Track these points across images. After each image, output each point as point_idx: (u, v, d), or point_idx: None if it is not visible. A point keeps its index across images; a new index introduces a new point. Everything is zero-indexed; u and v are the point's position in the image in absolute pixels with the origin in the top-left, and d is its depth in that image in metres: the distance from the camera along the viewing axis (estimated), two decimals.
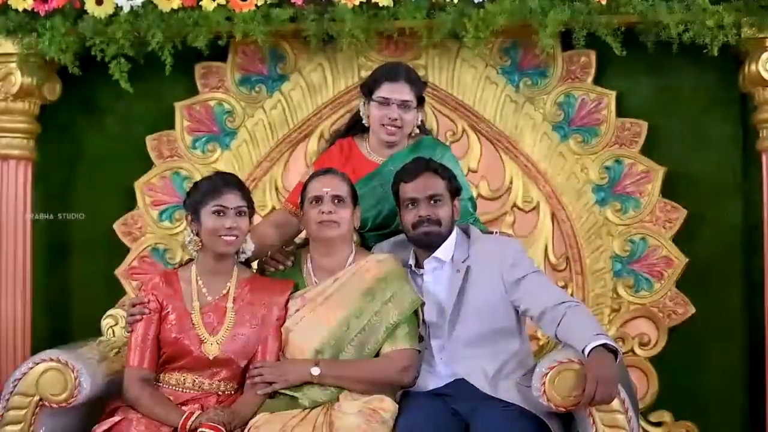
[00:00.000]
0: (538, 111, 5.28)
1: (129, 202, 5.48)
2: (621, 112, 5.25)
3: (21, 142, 5.35)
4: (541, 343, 4.98)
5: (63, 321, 5.57)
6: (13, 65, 5.23)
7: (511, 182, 5.32)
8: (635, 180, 5.21)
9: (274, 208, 5.31)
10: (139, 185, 5.44)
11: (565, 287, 5.16)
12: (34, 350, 5.14)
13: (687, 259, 5.16)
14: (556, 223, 5.29)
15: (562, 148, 5.26)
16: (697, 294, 5.18)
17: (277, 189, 5.42)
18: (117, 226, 5.46)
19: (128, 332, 4.02)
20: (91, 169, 5.58)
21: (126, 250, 5.46)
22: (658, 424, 5.18)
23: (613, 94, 5.24)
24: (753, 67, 4.95)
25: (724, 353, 5.23)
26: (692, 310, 5.17)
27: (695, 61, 5.12)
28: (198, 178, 5.04)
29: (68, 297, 5.60)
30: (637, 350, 5.17)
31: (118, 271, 5.44)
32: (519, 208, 5.33)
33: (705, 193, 5.25)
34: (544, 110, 5.28)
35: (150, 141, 5.46)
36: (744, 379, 5.23)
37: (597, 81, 5.28)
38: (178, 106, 5.45)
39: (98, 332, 4.56)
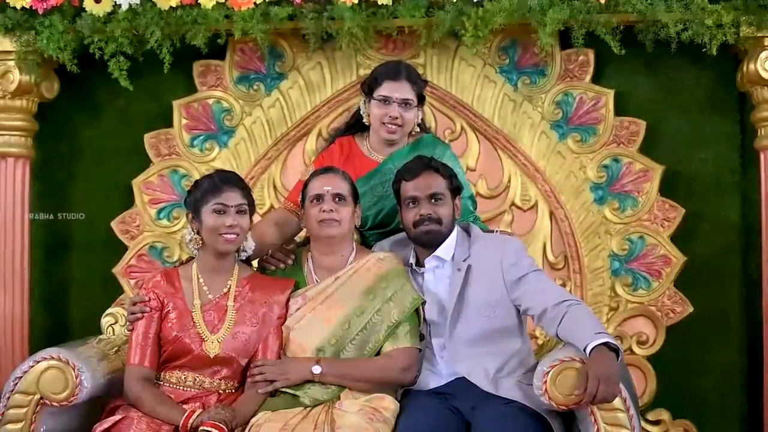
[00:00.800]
0: (537, 110, 5.28)
1: (127, 201, 5.45)
2: (619, 111, 5.24)
3: (19, 140, 5.33)
4: (539, 342, 4.98)
5: (61, 319, 5.55)
6: (11, 63, 5.20)
7: (509, 181, 5.32)
8: (633, 179, 5.20)
9: (272, 207, 5.31)
10: (137, 183, 5.42)
11: (563, 286, 5.13)
12: (32, 348, 5.16)
13: (685, 258, 5.16)
14: (554, 221, 5.29)
15: (561, 147, 5.26)
16: (695, 293, 5.18)
17: (275, 187, 5.40)
18: (115, 225, 5.43)
19: (129, 330, 4.02)
20: (89, 167, 5.56)
21: (124, 249, 5.44)
22: (656, 423, 5.18)
23: (611, 92, 5.24)
24: (752, 65, 4.95)
25: (723, 352, 5.25)
26: (690, 308, 5.17)
27: (694, 59, 5.13)
28: (196, 176, 5.06)
29: (66, 295, 5.58)
30: (636, 349, 5.16)
31: (116, 270, 5.42)
32: (517, 207, 5.32)
33: (703, 191, 5.26)
34: (542, 109, 5.27)
35: (148, 139, 5.43)
36: (742, 378, 5.25)
37: (595, 80, 5.28)
38: (177, 104, 5.42)
39: (96, 330, 4.56)
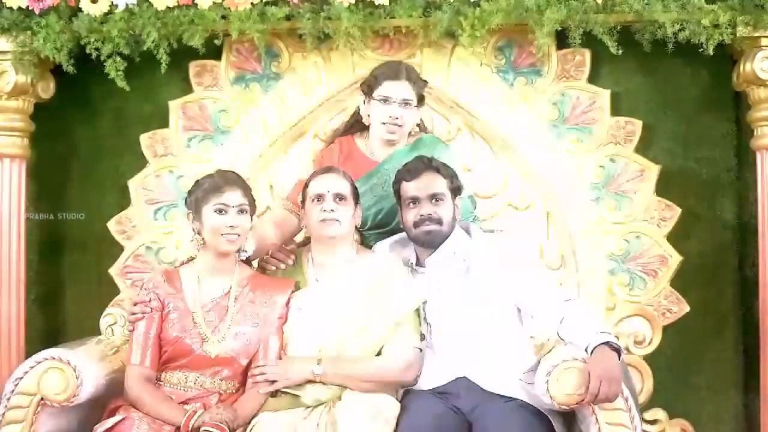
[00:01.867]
0: (533, 110, 5.28)
1: (123, 201, 5.43)
2: (615, 111, 5.23)
3: (15, 141, 5.29)
4: (537, 342, 4.98)
5: (57, 319, 5.53)
6: (8, 63, 5.15)
7: (506, 181, 5.32)
8: (630, 179, 5.19)
9: (268, 208, 5.29)
10: (133, 183, 5.40)
11: (560, 286, 5.15)
12: (28, 348, 5.13)
13: (681, 258, 5.16)
14: (551, 221, 5.29)
15: (557, 147, 5.25)
16: (691, 292, 5.17)
17: (271, 188, 5.39)
18: (111, 225, 5.41)
19: (129, 330, 4.02)
20: (85, 167, 5.54)
21: (120, 249, 5.42)
22: (653, 422, 5.17)
23: (607, 92, 5.23)
24: (748, 65, 4.95)
25: (719, 351, 5.25)
26: (686, 308, 5.15)
27: (690, 59, 5.12)
28: (193, 176, 5.03)
29: (62, 295, 5.56)
30: (632, 348, 5.13)
31: (113, 270, 5.40)
32: (514, 207, 5.32)
33: (699, 191, 5.26)
34: (539, 109, 5.27)
35: (144, 139, 5.41)
36: (738, 377, 5.25)
37: (591, 80, 5.26)
38: (173, 104, 5.40)
39: (93, 330, 4.56)
